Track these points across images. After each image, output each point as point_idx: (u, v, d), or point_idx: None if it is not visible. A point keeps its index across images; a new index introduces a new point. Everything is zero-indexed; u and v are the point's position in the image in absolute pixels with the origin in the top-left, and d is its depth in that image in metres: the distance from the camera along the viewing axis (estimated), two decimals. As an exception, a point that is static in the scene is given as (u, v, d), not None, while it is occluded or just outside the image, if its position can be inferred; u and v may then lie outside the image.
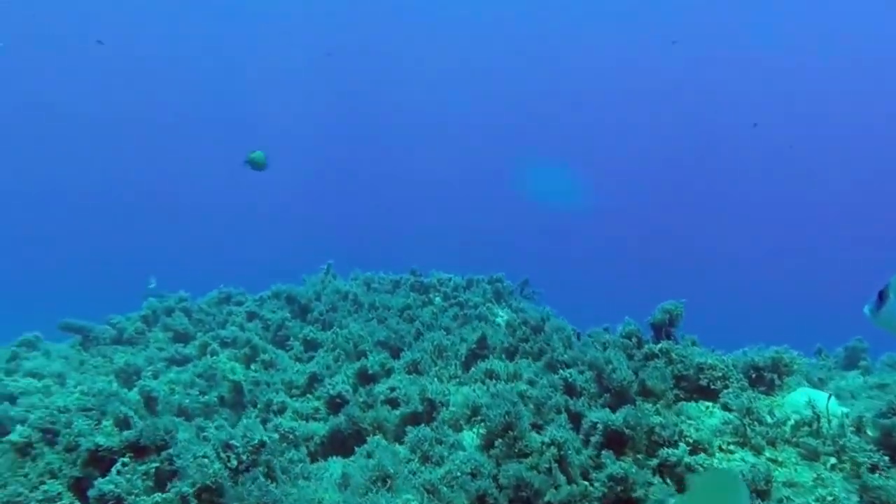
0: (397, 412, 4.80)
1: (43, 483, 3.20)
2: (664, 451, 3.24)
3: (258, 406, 5.48)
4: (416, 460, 3.86)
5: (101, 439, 3.40)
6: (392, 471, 3.19)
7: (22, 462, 3.35)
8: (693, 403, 3.95)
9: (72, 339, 7.34)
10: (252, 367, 6.66)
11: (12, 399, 5.20)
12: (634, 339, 4.61)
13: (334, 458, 4.41)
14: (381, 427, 4.64)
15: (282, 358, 6.70)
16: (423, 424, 4.56)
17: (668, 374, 4.01)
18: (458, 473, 3.37)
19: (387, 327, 7.33)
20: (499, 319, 8.62)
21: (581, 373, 4.24)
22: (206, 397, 5.67)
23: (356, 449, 4.38)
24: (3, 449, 3.31)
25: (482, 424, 4.08)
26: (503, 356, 5.63)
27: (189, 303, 7.82)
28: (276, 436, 3.71)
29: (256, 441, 3.55)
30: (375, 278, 9.47)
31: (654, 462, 3.28)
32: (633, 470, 3.19)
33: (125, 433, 3.46)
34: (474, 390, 4.84)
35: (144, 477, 3.29)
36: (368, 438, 4.40)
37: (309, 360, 7.05)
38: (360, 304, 8.57)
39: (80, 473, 3.40)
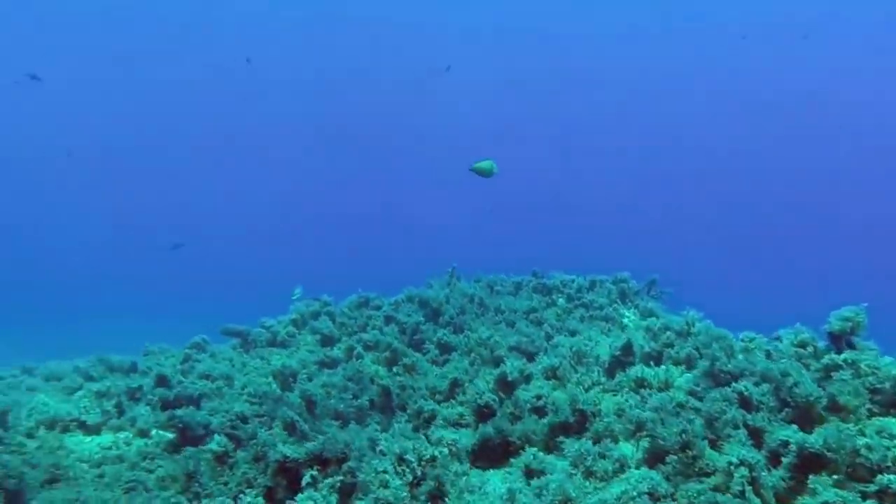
0: (545, 421, 4.58)
1: (242, 493, 3.28)
2: (884, 478, 2.79)
3: (408, 411, 5.46)
4: (579, 475, 3.61)
5: (288, 450, 3.46)
6: (574, 494, 2.97)
7: (221, 471, 3.46)
8: (893, 419, 3.41)
9: (232, 342, 7.79)
10: (394, 369, 6.72)
11: (193, 401, 5.50)
12: (810, 349, 4.10)
13: (488, 470, 4.27)
14: (529, 439, 4.44)
15: (420, 362, 6.67)
16: (574, 436, 4.32)
17: (860, 387, 3.50)
18: (635, 493, 3.09)
19: (517, 332, 7.13)
20: (626, 320, 8.16)
21: (756, 385, 3.81)
22: (359, 401, 5.73)
23: (510, 460, 4.24)
24: (205, 458, 3.43)
25: (647, 439, 3.76)
26: (650, 363, 5.24)
27: (332, 307, 8.03)
28: (446, 451, 3.60)
29: (428, 456, 3.47)
30: (498, 280, 9.30)
31: (871, 488, 2.83)
32: (850, 497, 2.77)
33: (308, 445, 3.50)
34: (626, 400, 4.51)
35: (331, 490, 3.29)
36: (523, 450, 4.22)
37: (444, 362, 6.99)
38: (485, 307, 8.43)
39: (270, 483, 3.48)
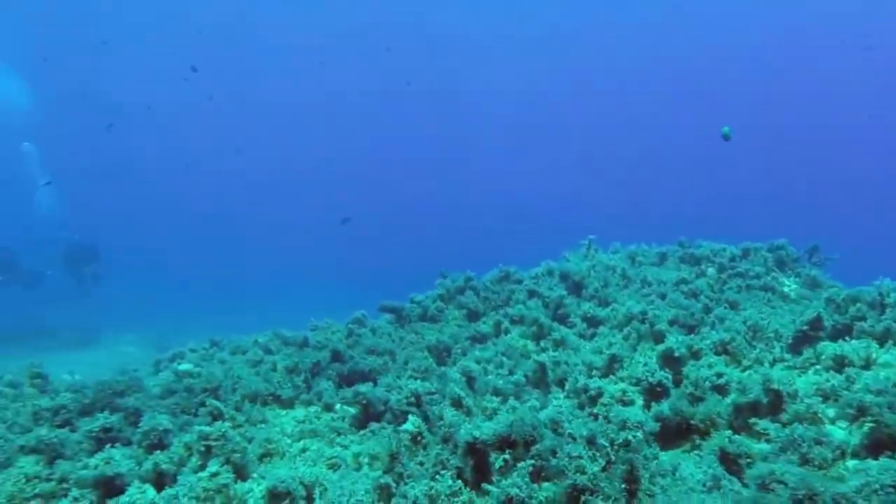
0: (728, 401, 4.16)
1: (438, 474, 3.23)
2: None
3: (567, 388, 5.23)
4: (795, 462, 3.19)
5: (477, 432, 3.36)
6: (819, 487, 2.59)
7: (415, 450, 3.44)
8: None
9: (387, 317, 7.99)
10: (541, 343, 6.51)
11: (365, 376, 5.65)
12: None
13: (672, 452, 3.95)
14: (713, 422, 4.04)
15: (569, 336, 6.40)
16: (767, 417, 3.88)
17: None
18: (878, 486, 2.65)
19: (673, 304, 6.61)
20: (787, 290, 7.33)
21: None
22: (515, 377, 5.60)
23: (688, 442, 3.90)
24: (402, 439, 3.42)
25: (869, 424, 3.25)
26: (842, 338, 4.59)
27: (475, 281, 7.95)
28: (640, 434, 3.33)
29: (621, 439, 3.22)
30: (639, 251, 8.74)
31: None
32: None
33: (494, 426, 3.38)
34: (827, 379, 3.96)
35: (526, 474, 3.15)
36: (707, 433, 3.86)
37: (591, 336, 6.67)
38: (629, 279, 7.95)
39: (460, 464, 3.41)
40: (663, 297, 7.02)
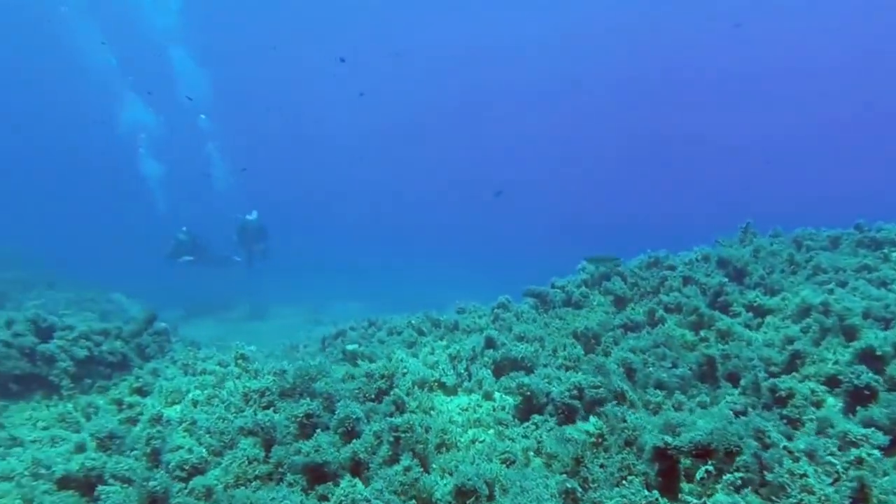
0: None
1: (624, 480, 2.97)
2: None
3: (744, 385, 4.67)
4: None
5: (669, 438, 3.04)
6: None
7: (596, 453, 3.20)
8: None
9: (529, 301, 7.78)
10: (701, 333, 5.91)
11: (517, 364, 5.48)
12: None
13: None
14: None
15: (734, 326, 5.73)
16: None
17: None
18: None
19: (861, 294, 5.66)
20: None
21: None
22: (679, 370, 5.11)
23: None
24: (584, 441, 3.20)
25: None
26: None
27: (622, 267, 7.44)
28: (877, 453, 2.81)
29: (852, 456, 2.72)
30: (805, 235, 7.63)
31: None
32: None
33: (692, 435, 3.02)
34: None
35: (731, 487, 2.79)
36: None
37: (758, 327, 5.94)
38: (796, 265, 6.97)
39: (647, 469, 3.12)
40: (843, 285, 6.05)
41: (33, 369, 4.92)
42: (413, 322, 8.03)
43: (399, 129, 46.38)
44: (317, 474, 3.22)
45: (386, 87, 42.13)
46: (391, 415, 3.94)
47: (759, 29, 35.97)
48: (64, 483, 2.88)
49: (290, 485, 3.13)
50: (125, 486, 2.92)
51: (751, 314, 6.03)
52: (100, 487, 2.85)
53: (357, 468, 3.42)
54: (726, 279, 6.58)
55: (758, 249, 7.09)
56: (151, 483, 2.53)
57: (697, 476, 2.86)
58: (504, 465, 3.66)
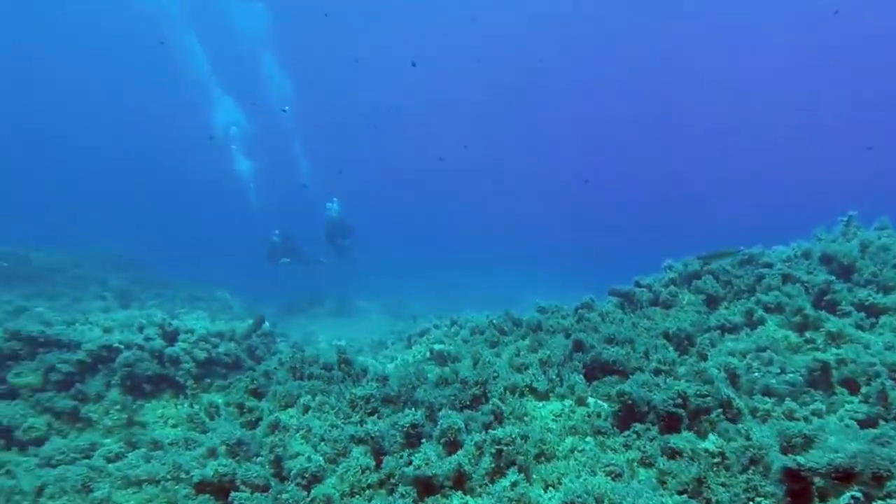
0: None
1: (752, 501, 2.72)
2: None
3: (866, 393, 4.19)
4: None
5: (802, 459, 2.75)
6: None
7: (717, 471, 2.95)
8: None
9: (613, 300, 7.46)
10: (806, 334, 5.40)
11: (608, 368, 5.25)
12: None
13: None
14: None
15: (846, 328, 5.19)
16: None
17: None
18: None
19: None
20: None
21: None
22: (789, 376, 4.68)
23: None
24: (705, 459, 2.96)
25: None
26: None
27: (712, 265, 6.95)
28: None
29: None
30: (924, 224, 6.78)
31: None
32: None
33: (831, 457, 2.72)
34: None
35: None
36: None
37: (871, 328, 5.35)
38: (914, 258, 6.19)
39: (777, 491, 2.85)
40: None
41: (162, 370, 5.30)
42: (494, 321, 7.93)
43: (474, 125, 46.14)
44: (426, 486, 3.21)
45: (461, 86, 42.06)
46: (489, 424, 3.87)
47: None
48: (201, 487, 3.05)
49: (403, 496, 3.13)
50: (255, 493, 3.04)
51: (863, 314, 5.44)
52: (233, 494, 2.98)
53: (461, 479, 3.37)
54: (832, 277, 5.97)
55: (865, 244, 6.38)
56: (284, 496, 2.60)
57: (842, 502, 2.57)
58: (609, 479, 3.49)
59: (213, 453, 3.31)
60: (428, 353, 7.69)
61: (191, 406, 5.06)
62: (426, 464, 3.15)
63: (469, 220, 45.49)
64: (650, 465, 3.62)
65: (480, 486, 3.43)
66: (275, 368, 5.14)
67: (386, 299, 21.78)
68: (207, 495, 3.02)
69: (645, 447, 3.96)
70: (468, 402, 4.42)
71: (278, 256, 17.08)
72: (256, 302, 17.68)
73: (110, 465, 3.54)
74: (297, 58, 30.16)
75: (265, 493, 3.08)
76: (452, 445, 3.62)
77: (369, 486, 3.38)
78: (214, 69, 26.29)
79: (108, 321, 5.96)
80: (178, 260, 21.76)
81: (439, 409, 4.03)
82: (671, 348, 5.85)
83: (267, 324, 7.16)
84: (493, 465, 3.43)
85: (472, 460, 3.49)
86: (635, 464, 3.80)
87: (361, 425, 4.01)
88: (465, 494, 3.32)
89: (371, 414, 4.15)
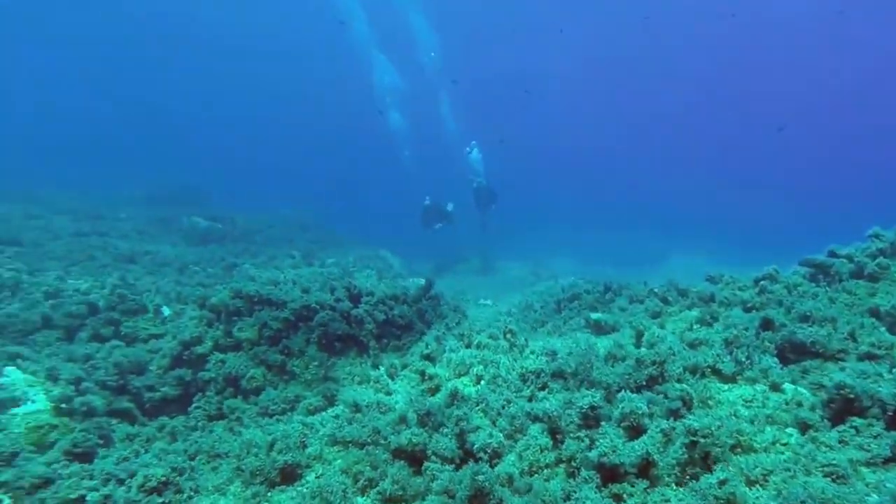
0: None
1: None
2: None
3: None
4: None
5: None
6: None
7: None
8: None
9: (801, 271, 6.28)
10: None
11: (808, 352, 4.40)
12: None
13: None
14: None
15: None
16: None
17: None
18: None
19: None
20: None
21: None
22: None
23: None
24: None
25: None
26: None
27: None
28: None
29: None
30: None
31: None
32: None
33: None
34: None
35: None
36: None
37: None
38: None
39: None
40: None
41: (349, 330, 5.69)
42: (657, 290, 7.21)
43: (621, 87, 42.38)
44: (610, 472, 2.94)
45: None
46: (677, 411, 3.44)
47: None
48: (397, 453, 3.15)
49: (586, 481, 2.91)
50: (444, 464, 3.06)
51: None
52: (426, 464, 3.03)
53: (647, 468, 3.04)
54: None
55: None
56: (479, 477, 2.54)
57: None
58: (830, 481, 2.89)
59: (404, 421, 3.40)
60: (583, 322, 7.29)
61: (374, 367, 5.36)
62: (613, 451, 2.88)
63: (609, 185, 42.54)
64: (876, 466, 2.93)
65: (668, 476, 3.08)
66: (443, 334, 5.22)
67: (527, 259, 21.51)
68: (403, 462, 3.11)
69: (869, 446, 3.24)
70: (644, 382, 4.01)
71: (432, 222, 17.67)
72: (412, 261, 18.62)
73: (318, 423, 3.84)
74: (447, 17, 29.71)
75: (452, 466, 3.08)
76: (634, 430, 3.29)
77: (547, 466, 3.21)
78: (372, 30, 26.67)
79: (304, 281, 6.55)
80: (347, 222, 23.57)
81: (618, 391, 3.69)
82: (883, 329, 4.76)
83: (436, 291, 7.30)
84: (684, 456, 3.04)
85: (659, 448, 3.13)
86: (860, 465, 3.11)
87: (531, 400, 3.86)
88: (650, 484, 3.00)
89: (542, 389, 3.97)
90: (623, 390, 3.57)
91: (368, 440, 3.32)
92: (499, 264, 21.12)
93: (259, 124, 50.87)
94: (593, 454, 2.99)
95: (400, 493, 2.97)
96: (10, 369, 4.67)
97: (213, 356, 5.46)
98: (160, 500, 2.61)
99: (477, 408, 3.63)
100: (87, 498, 2.85)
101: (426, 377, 4.25)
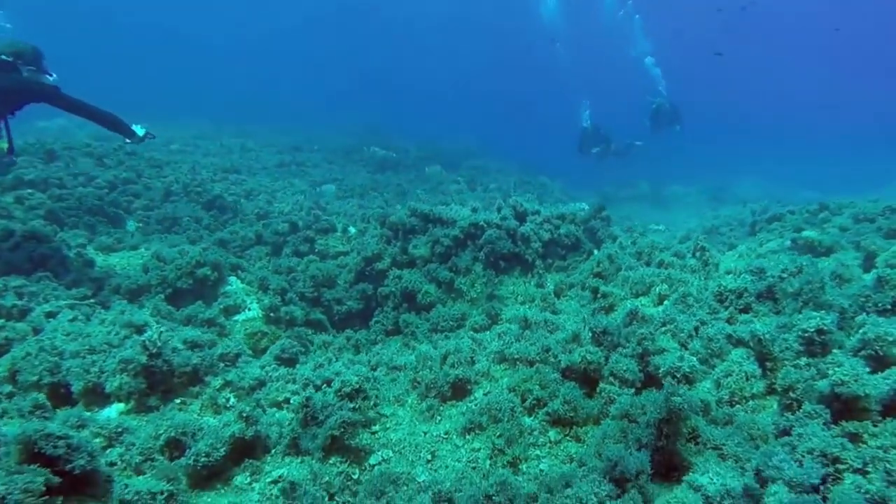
0: None
1: None
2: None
3: None
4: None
5: None
6: None
7: None
8: None
9: None
10: None
11: None
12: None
13: None
14: None
15: None
16: None
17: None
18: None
19: None
20: None
21: None
22: None
23: None
24: None
25: None
26: None
27: None
28: None
29: None
30: None
31: None
32: None
33: None
34: None
35: None
36: None
37: None
38: None
39: None
40: None
41: (514, 248, 5.53)
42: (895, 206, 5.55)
43: None
44: (844, 407, 2.32)
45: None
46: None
47: None
48: (568, 373, 2.93)
49: (810, 416, 2.34)
50: (623, 387, 2.75)
51: None
52: (603, 385, 2.76)
53: (893, 406, 2.33)
54: None
55: None
56: (675, 399, 2.19)
57: None
58: None
59: (577, 339, 3.13)
60: (789, 242, 6.03)
61: (538, 286, 5.16)
62: (854, 380, 2.24)
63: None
64: None
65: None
66: (617, 252, 4.72)
67: (705, 184, 18.78)
68: (573, 383, 2.87)
69: None
70: (889, 306, 3.09)
71: (589, 145, 16.11)
72: (574, 187, 17.61)
73: (487, 339, 3.79)
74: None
75: (632, 390, 2.74)
76: (878, 362, 2.54)
77: (753, 397, 2.68)
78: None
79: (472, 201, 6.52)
80: (511, 151, 23.05)
81: (852, 316, 2.90)
82: None
83: (607, 212, 6.68)
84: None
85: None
86: None
87: (731, 323, 3.25)
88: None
89: (743, 311, 3.32)
90: (863, 314, 2.78)
91: (537, 358, 3.14)
92: (672, 190, 18.87)
93: (430, 58, 51.88)
94: (823, 383, 2.38)
95: (571, 414, 2.76)
96: (232, 278, 5.56)
97: (392, 272, 5.80)
98: (351, 405, 2.80)
99: (663, 329, 3.19)
100: (291, 400, 3.15)
101: (599, 295, 3.89)
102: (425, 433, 3.08)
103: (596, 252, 5.30)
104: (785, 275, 3.18)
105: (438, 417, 3.23)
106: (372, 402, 3.05)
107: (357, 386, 2.90)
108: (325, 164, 14.16)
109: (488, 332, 4.62)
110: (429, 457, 2.92)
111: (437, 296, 5.52)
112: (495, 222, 5.57)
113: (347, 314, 5.85)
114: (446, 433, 3.08)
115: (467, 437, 2.98)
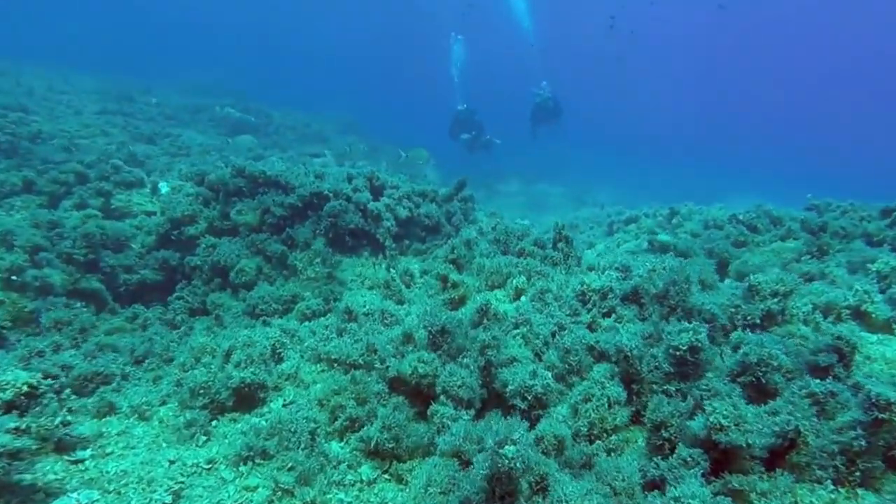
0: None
1: None
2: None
3: None
4: None
5: None
6: None
7: None
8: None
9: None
10: None
11: None
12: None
13: None
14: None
15: None
16: None
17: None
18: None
19: None
20: None
21: None
22: None
23: None
24: None
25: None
26: None
27: None
28: None
29: None
30: None
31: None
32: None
33: None
34: None
35: None
36: None
37: None
38: None
39: None
40: None
41: (365, 225, 4.56)
42: (742, 217, 5.70)
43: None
44: (723, 456, 1.75)
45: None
46: (827, 368, 2.17)
47: None
48: (396, 385, 2.07)
49: (686, 463, 1.73)
50: (459, 408, 1.95)
51: None
52: (434, 406, 1.94)
53: (784, 452, 1.84)
54: None
55: None
56: (508, 448, 1.40)
57: None
58: None
59: (410, 339, 2.27)
60: (646, 244, 5.91)
61: (388, 269, 4.26)
62: (735, 424, 1.67)
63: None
64: None
65: (821, 469, 1.89)
66: (476, 238, 4.02)
67: (570, 186, 19.62)
68: (402, 397, 2.01)
69: None
70: (758, 320, 2.72)
71: (460, 130, 15.55)
72: (448, 175, 17.11)
73: (304, 329, 2.80)
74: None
75: (471, 412, 1.95)
76: (756, 390, 2.06)
77: (616, 430, 2.05)
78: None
79: (321, 169, 5.39)
80: (389, 128, 21.83)
81: (722, 326, 2.43)
82: None
83: (470, 192, 6.02)
84: (856, 441, 1.80)
85: (814, 424, 1.90)
86: None
87: (593, 329, 2.64)
88: (794, 477, 1.81)
89: (607, 315, 2.73)
90: (738, 329, 2.30)
91: (360, 361, 2.22)
92: (538, 187, 19.36)
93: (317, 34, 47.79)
94: (699, 423, 1.79)
95: (391, 445, 1.89)
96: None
97: (205, 239, 4.46)
98: (16, 425, 1.62)
99: (515, 332, 2.46)
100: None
101: (449, 284, 3.09)
102: (172, 462, 2.02)
103: (455, 237, 4.55)
104: (648, 273, 2.66)
105: (203, 438, 2.17)
106: (60, 418, 1.87)
107: (26, 390, 1.71)
108: (161, 119, 11.61)
109: (323, 319, 3.63)
110: (167, 500, 1.86)
111: (263, 273, 4.33)
112: (345, 193, 4.53)
113: (140, 285, 4.37)
114: (210, 462, 2.04)
115: (241, 468, 1.98)
